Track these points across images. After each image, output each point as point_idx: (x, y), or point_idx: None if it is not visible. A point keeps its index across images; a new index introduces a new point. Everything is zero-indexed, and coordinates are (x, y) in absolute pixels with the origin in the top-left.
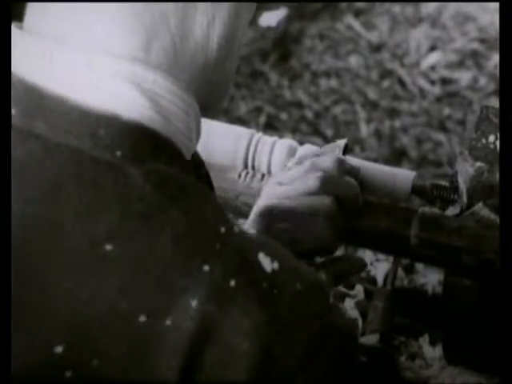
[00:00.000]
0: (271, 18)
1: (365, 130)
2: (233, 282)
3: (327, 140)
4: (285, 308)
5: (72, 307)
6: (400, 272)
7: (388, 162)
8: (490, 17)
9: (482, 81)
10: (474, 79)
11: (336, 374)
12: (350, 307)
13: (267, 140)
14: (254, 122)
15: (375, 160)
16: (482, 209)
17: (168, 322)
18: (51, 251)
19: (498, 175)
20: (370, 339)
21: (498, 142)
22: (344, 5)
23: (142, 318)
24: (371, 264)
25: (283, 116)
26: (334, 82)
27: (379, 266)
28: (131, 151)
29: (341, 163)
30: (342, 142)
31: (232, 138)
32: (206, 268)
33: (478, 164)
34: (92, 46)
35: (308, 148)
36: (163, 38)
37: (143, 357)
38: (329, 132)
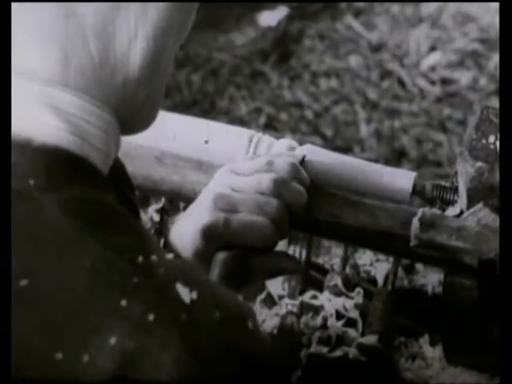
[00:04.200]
0: (271, 17)
1: (365, 130)
2: (151, 317)
3: (327, 140)
4: (205, 339)
5: None
6: (400, 272)
7: (388, 162)
8: (490, 17)
9: (482, 81)
10: (474, 79)
11: None
12: (350, 308)
13: (267, 140)
14: (254, 123)
15: (375, 160)
16: (482, 209)
17: (85, 360)
18: None
19: (498, 176)
20: (370, 339)
21: (498, 143)
22: (344, 5)
23: (59, 356)
24: (371, 264)
25: (283, 116)
26: (333, 82)
27: (379, 267)
28: (45, 178)
29: (295, 169)
30: (300, 154)
31: (232, 139)
32: (124, 303)
33: (479, 164)
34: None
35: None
36: (81, 57)
37: None
38: (329, 132)
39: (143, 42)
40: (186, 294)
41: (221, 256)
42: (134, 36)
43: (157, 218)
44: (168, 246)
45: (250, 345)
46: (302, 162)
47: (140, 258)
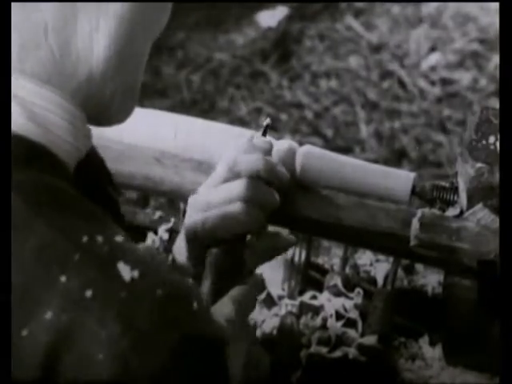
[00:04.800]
0: (271, 18)
1: (365, 130)
2: (89, 293)
3: (327, 140)
4: (143, 317)
5: None
6: (400, 273)
7: (388, 162)
8: (490, 17)
9: (482, 81)
10: (474, 80)
11: None
12: (349, 308)
13: None
14: (254, 123)
15: (375, 161)
16: (481, 210)
17: (24, 333)
18: None
19: (498, 176)
20: (370, 340)
21: (498, 143)
22: (344, 5)
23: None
24: (371, 264)
25: (283, 117)
26: (333, 83)
27: (379, 267)
28: None
29: (249, 144)
30: (264, 123)
31: (232, 139)
32: (63, 279)
33: (478, 165)
34: None
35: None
36: (40, 50)
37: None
38: (329, 133)
39: (105, 35)
40: (126, 272)
41: (212, 253)
42: (96, 29)
43: (166, 236)
44: (175, 261)
45: (193, 325)
46: (265, 131)
47: (85, 238)
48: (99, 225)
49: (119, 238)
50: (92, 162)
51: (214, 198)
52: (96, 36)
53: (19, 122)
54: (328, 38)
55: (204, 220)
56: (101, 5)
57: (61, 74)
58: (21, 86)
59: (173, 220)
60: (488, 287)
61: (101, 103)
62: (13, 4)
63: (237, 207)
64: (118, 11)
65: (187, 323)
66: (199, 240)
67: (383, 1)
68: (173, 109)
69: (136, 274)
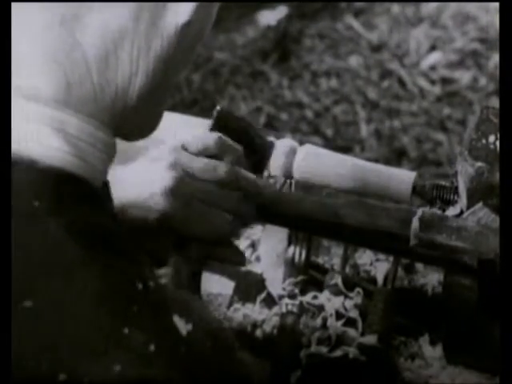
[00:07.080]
0: (271, 17)
1: (365, 129)
2: (152, 347)
3: (327, 140)
4: (201, 369)
5: None
6: (400, 272)
7: (388, 161)
8: (490, 17)
9: (482, 81)
10: (474, 79)
11: None
12: (349, 308)
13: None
14: (255, 122)
15: (375, 160)
16: (482, 209)
17: (86, 380)
18: None
19: (498, 175)
20: (370, 339)
21: (498, 143)
22: (344, 4)
23: (62, 377)
24: (371, 264)
25: (283, 116)
26: (334, 82)
27: (379, 266)
28: (50, 200)
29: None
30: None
31: None
32: (126, 331)
33: (478, 164)
34: (15, 90)
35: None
36: (82, 84)
37: None
38: (329, 132)
39: (143, 75)
40: (182, 326)
41: (175, 262)
42: (135, 71)
43: None
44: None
45: (237, 370)
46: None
47: (140, 285)
48: (144, 267)
49: (162, 281)
50: None
51: (203, 193)
52: (134, 78)
53: (68, 160)
54: (328, 37)
55: (186, 213)
56: (142, 45)
57: (99, 107)
58: (70, 123)
59: None
60: (488, 286)
61: (132, 127)
62: (53, 39)
63: (223, 217)
64: (157, 52)
65: (233, 371)
66: (171, 229)
67: (383, 0)
68: (173, 108)
69: (190, 327)
